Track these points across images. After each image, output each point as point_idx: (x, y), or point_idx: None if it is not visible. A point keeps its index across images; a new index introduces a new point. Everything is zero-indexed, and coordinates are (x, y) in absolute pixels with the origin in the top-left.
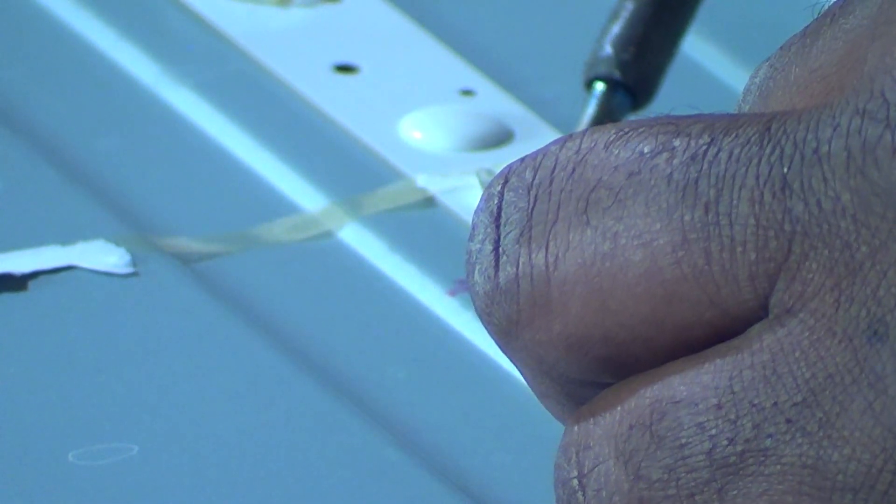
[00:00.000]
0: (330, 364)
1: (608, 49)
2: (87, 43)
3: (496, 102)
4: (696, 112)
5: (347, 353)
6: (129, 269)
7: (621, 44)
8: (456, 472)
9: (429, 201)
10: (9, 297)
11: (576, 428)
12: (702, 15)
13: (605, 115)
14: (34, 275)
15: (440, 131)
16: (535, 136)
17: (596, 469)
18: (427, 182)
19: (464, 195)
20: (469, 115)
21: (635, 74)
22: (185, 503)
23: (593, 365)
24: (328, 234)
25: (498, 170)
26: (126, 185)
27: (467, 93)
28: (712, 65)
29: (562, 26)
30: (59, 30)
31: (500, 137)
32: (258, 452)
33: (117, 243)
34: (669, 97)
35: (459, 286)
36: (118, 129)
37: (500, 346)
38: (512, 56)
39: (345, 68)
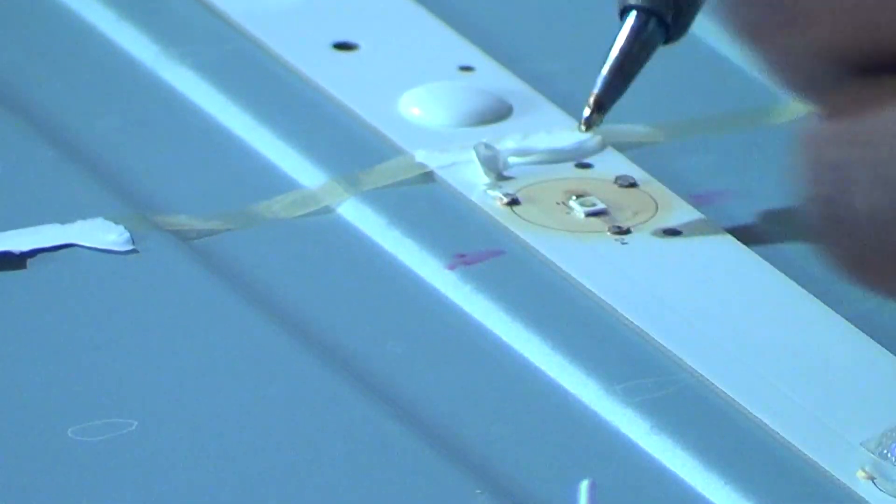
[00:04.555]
0: (329, 339)
1: None
2: (87, 23)
3: (495, 78)
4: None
5: (347, 328)
6: (129, 247)
7: None
8: (455, 444)
9: (428, 177)
10: (8, 276)
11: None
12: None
13: (637, 46)
14: (33, 253)
15: (439, 107)
16: (534, 110)
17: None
18: (426, 158)
19: (463, 170)
20: (468, 90)
21: (669, 5)
22: (184, 478)
23: (850, 68)
24: (327, 210)
25: (497, 145)
26: (125, 164)
27: (466, 69)
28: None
29: (559, 2)
30: (58, 10)
31: (499, 113)
32: (258, 427)
33: (116, 221)
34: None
35: (458, 260)
36: (118, 109)
37: (746, 46)
38: (510, 32)
39: (344, 46)
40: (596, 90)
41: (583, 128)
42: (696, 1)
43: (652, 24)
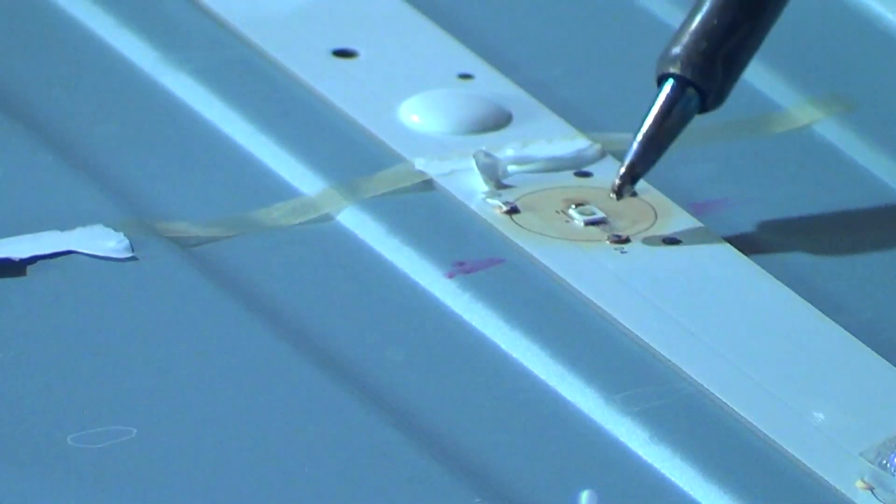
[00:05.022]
0: (329, 346)
1: (682, 48)
2: (86, 29)
3: (494, 86)
4: None
5: (346, 336)
6: (128, 254)
7: (696, 44)
8: (455, 452)
9: (427, 184)
10: (8, 283)
11: None
12: None
13: (673, 116)
14: (33, 260)
15: (439, 115)
16: (533, 118)
17: None
18: (425, 165)
19: (462, 178)
20: (467, 98)
21: (707, 77)
22: (184, 485)
23: None
24: (327, 218)
25: (496, 153)
26: (125, 171)
27: (465, 76)
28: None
29: (559, 10)
30: (57, 16)
31: (498, 120)
32: (257, 434)
33: (116, 228)
34: None
35: (458, 269)
36: (117, 115)
37: None
38: (509, 40)
39: (343, 53)
40: (629, 159)
41: (613, 196)
42: (736, 72)
43: (689, 94)
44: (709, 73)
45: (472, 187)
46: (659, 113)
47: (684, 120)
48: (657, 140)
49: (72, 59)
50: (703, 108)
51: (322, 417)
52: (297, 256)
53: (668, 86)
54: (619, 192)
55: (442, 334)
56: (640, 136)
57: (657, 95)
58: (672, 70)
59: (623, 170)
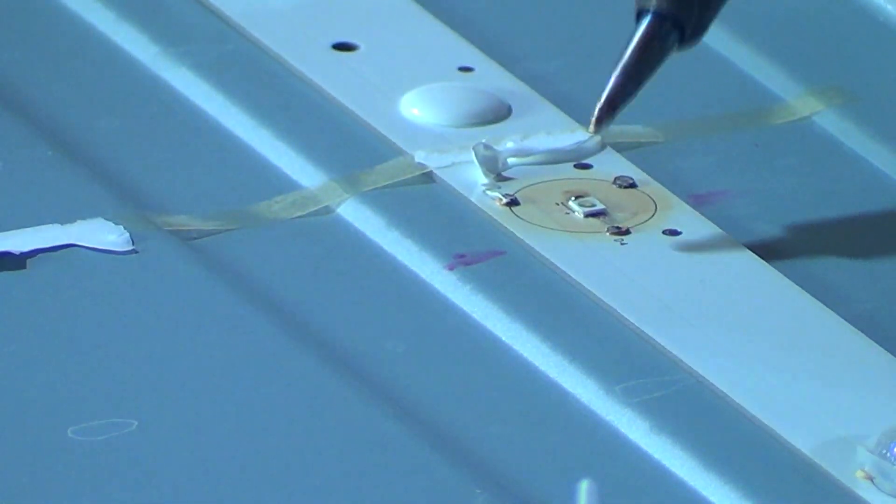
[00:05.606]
0: (329, 339)
1: None
2: (87, 24)
3: (494, 79)
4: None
5: (347, 328)
6: (129, 247)
7: None
8: (455, 444)
9: (427, 177)
10: (8, 276)
11: None
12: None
13: (651, 50)
14: (34, 253)
15: (439, 108)
16: (533, 111)
17: None
18: (426, 158)
19: (462, 171)
20: (467, 91)
21: (684, 10)
22: (184, 477)
23: None
24: (327, 211)
25: (496, 145)
26: (125, 164)
27: (466, 69)
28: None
29: (558, 2)
30: (58, 11)
31: (498, 113)
32: (258, 427)
33: (116, 221)
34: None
35: (458, 261)
36: (117, 109)
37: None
38: (509, 33)
39: (343, 47)
40: (607, 92)
41: (592, 129)
42: (713, 7)
43: (667, 29)
44: (685, 7)
45: (472, 180)
46: (637, 46)
47: (662, 53)
48: (636, 73)
49: (72, 53)
50: (682, 42)
51: (323, 409)
52: (297, 249)
53: (646, 21)
54: (598, 124)
55: (442, 326)
56: (618, 69)
57: (635, 30)
58: (650, 6)
59: (601, 102)
